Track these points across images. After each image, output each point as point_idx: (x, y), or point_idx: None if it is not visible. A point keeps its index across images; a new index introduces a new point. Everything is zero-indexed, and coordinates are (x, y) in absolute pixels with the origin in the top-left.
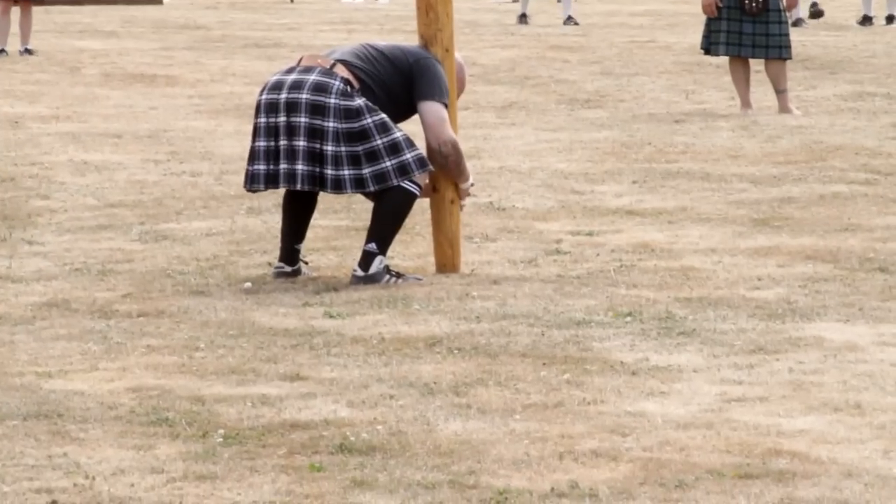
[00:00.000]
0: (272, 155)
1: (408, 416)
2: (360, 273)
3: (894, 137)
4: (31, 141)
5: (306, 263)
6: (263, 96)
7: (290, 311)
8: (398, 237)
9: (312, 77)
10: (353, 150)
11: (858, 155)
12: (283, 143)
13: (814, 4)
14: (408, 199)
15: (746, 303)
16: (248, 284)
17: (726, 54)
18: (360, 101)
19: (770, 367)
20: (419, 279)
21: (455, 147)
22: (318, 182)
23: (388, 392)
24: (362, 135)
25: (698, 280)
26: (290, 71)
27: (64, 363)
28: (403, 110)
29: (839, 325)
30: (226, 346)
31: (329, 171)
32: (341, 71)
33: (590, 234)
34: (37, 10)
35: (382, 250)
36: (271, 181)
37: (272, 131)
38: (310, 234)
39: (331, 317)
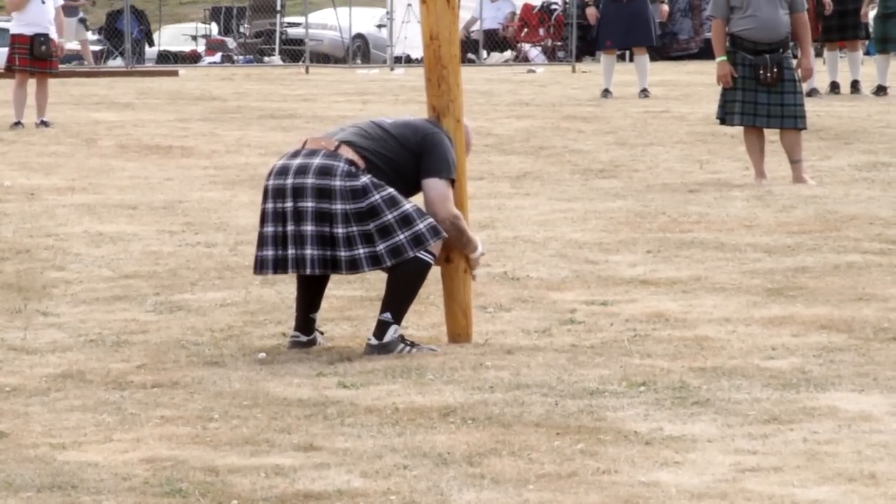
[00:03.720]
0: (280, 240)
1: (421, 487)
2: (374, 342)
3: None
4: (46, 212)
5: (322, 333)
6: (270, 182)
7: (304, 382)
8: (412, 307)
9: (317, 161)
10: (365, 228)
11: (873, 225)
12: (290, 228)
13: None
14: (422, 269)
15: (761, 372)
16: (263, 355)
17: (741, 124)
18: (364, 179)
19: (784, 436)
20: (433, 349)
21: (455, 223)
22: (332, 265)
23: (402, 462)
24: (372, 212)
25: (712, 350)
26: (294, 155)
27: (78, 434)
28: (413, 185)
29: (854, 395)
30: (240, 416)
31: (342, 253)
32: (346, 152)
33: (604, 303)
34: (53, 83)
35: (397, 320)
36: (280, 266)
37: (279, 217)
38: (324, 304)
39: (345, 387)
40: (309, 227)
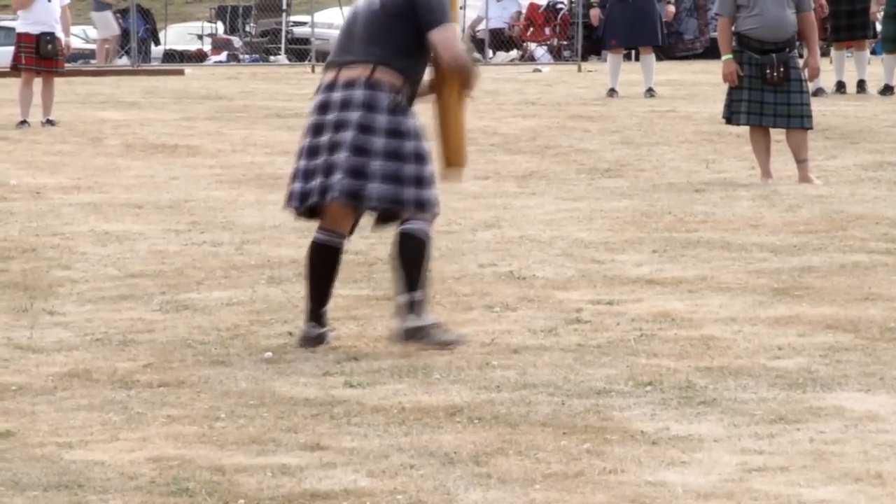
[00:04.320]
0: (310, 173)
1: (428, 486)
2: (417, 323)
3: None
4: (52, 211)
5: (332, 329)
6: (312, 118)
7: (310, 381)
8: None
9: (359, 92)
10: (391, 168)
11: (879, 224)
12: (322, 159)
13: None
14: (429, 243)
15: (767, 372)
16: (269, 354)
17: (747, 123)
18: (409, 121)
19: (791, 436)
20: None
21: (465, 59)
22: (355, 196)
23: (409, 462)
24: (402, 156)
25: (718, 349)
26: (331, 87)
27: (84, 433)
28: (422, 43)
29: (860, 395)
30: (246, 415)
31: (373, 185)
32: (382, 75)
33: (610, 303)
34: (59, 81)
35: (425, 295)
36: (308, 196)
37: (314, 151)
38: (329, 302)
39: (351, 386)
40: (343, 155)
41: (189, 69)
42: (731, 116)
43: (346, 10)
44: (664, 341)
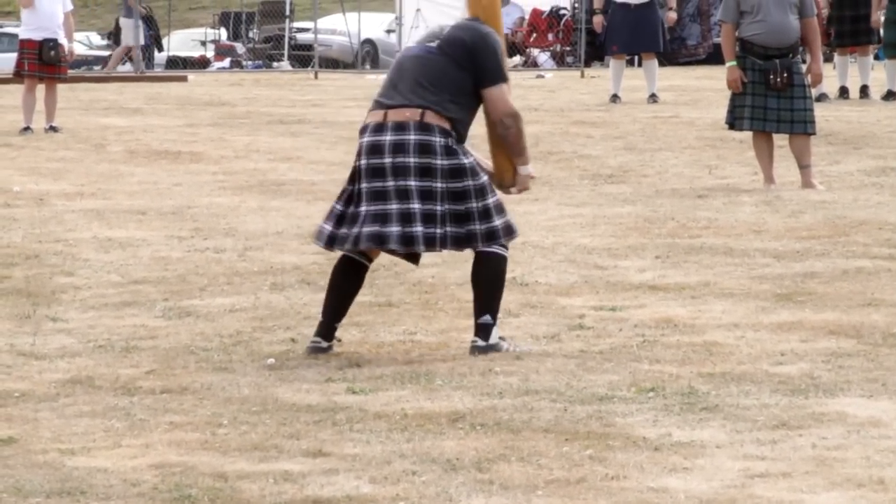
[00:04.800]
0: (380, 218)
1: (430, 493)
2: (480, 343)
3: None
4: (55, 218)
5: (339, 341)
6: (363, 161)
7: (312, 387)
8: (421, 313)
9: (412, 137)
10: (457, 209)
11: (882, 230)
12: (395, 206)
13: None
14: (502, 264)
15: (769, 378)
16: (272, 360)
17: (751, 129)
18: (464, 160)
19: (793, 442)
20: (529, 349)
21: (517, 118)
22: (439, 242)
23: (411, 468)
24: (464, 195)
25: (721, 355)
26: (380, 129)
27: (87, 440)
28: (476, 96)
29: (862, 401)
30: (249, 422)
31: (448, 230)
32: (432, 119)
33: (612, 309)
34: (62, 88)
35: (495, 319)
36: (399, 242)
37: (380, 195)
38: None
39: (353, 392)
40: (416, 206)
41: (192, 75)
42: (734, 122)
43: (349, 16)
44: (667, 347)
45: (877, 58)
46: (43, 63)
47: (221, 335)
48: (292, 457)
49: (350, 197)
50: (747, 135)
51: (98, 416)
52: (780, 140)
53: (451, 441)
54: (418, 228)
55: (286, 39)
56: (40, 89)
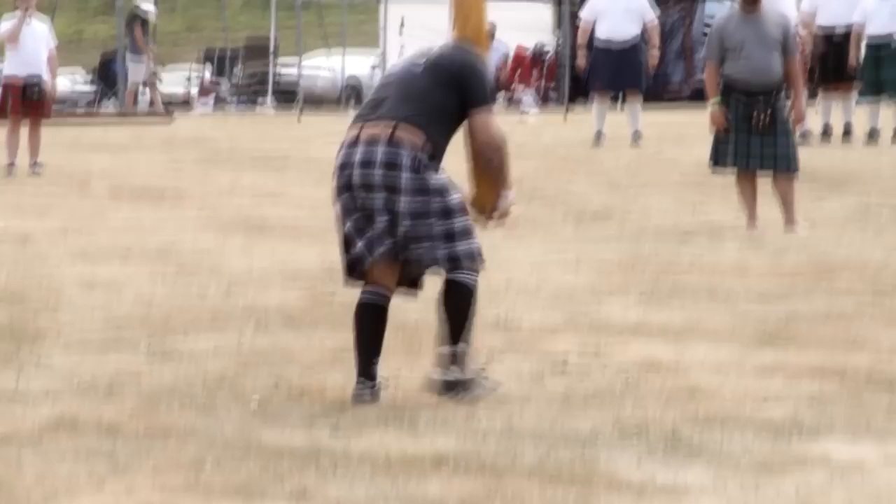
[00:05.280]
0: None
1: None
2: (458, 375)
3: None
4: (39, 256)
5: (386, 379)
6: (336, 181)
7: (296, 430)
8: (404, 356)
9: (380, 150)
10: (417, 227)
11: (865, 270)
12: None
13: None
14: (474, 292)
15: (753, 420)
16: (255, 402)
17: (734, 164)
18: (432, 179)
19: (777, 486)
20: (497, 386)
21: (503, 142)
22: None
23: None
24: (426, 214)
25: (705, 397)
26: (353, 144)
27: (71, 483)
28: (458, 118)
29: (846, 444)
30: (232, 464)
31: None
32: (404, 134)
33: (596, 350)
34: (46, 126)
35: (467, 348)
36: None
37: (353, 208)
38: (315, 351)
39: (337, 435)
40: (381, 220)
41: (176, 114)
42: (717, 160)
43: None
44: (650, 389)
45: (860, 96)
46: (27, 101)
47: (205, 376)
48: (276, 499)
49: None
50: (731, 173)
51: (81, 459)
52: (764, 180)
53: (434, 484)
54: (381, 246)
55: (270, 76)
56: (24, 127)
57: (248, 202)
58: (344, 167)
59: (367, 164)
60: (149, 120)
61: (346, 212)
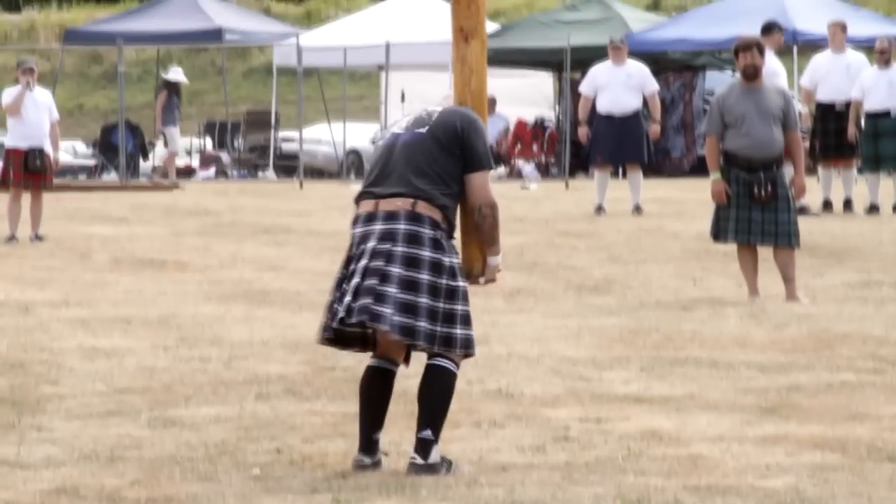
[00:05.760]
0: (355, 291)
1: None
2: (419, 461)
3: None
4: (40, 327)
5: (385, 455)
6: (354, 250)
7: (298, 498)
8: (406, 424)
9: (402, 226)
10: (434, 304)
11: (866, 343)
12: (371, 282)
13: (873, 206)
14: (453, 382)
15: (755, 491)
16: (257, 471)
17: (735, 241)
18: (447, 259)
19: None
20: (466, 469)
21: (495, 209)
22: (409, 333)
23: None
24: (438, 293)
25: (706, 468)
26: (371, 219)
27: None
28: (461, 182)
29: None
30: None
31: (422, 324)
32: (424, 209)
33: (598, 420)
34: (47, 196)
35: (437, 436)
36: (351, 315)
37: (356, 273)
38: (316, 420)
39: (339, 503)
40: (392, 290)
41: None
42: (718, 234)
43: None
44: (652, 459)
45: (859, 171)
46: (28, 172)
47: (207, 445)
48: None
49: (339, 282)
50: (732, 247)
51: None
52: (765, 252)
53: None
54: (391, 311)
55: (271, 149)
56: (26, 198)
57: (249, 274)
58: (363, 239)
59: (388, 236)
60: (151, 188)
61: (345, 278)
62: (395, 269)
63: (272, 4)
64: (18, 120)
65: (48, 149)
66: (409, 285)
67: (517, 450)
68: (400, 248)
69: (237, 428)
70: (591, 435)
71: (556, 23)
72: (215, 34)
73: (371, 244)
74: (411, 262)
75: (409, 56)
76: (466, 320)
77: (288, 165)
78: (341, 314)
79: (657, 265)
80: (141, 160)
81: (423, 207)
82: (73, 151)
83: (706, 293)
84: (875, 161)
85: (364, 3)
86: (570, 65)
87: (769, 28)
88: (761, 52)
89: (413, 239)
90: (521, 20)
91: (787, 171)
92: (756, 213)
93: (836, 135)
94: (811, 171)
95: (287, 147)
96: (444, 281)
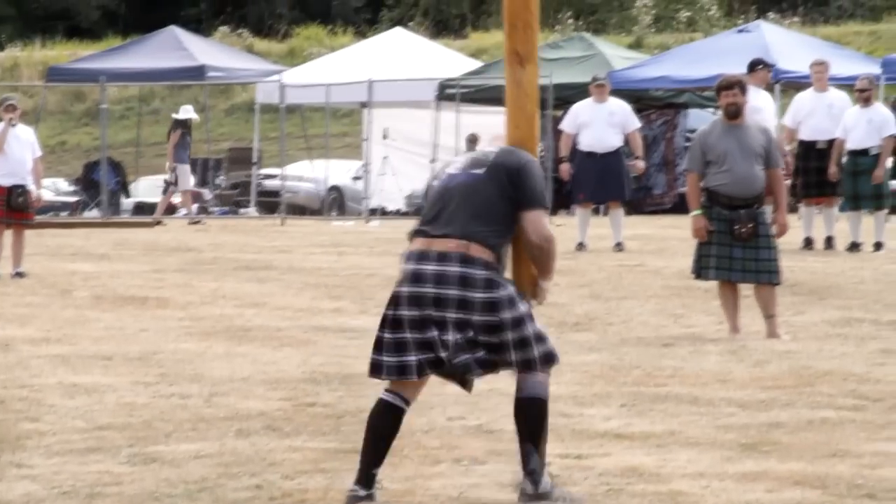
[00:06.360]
0: (426, 345)
1: None
2: (530, 490)
3: (882, 363)
4: (20, 364)
5: (381, 487)
6: (404, 288)
7: None
8: (387, 460)
9: (455, 269)
10: (490, 340)
11: (846, 381)
12: (434, 334)
13: (854, 245)
14: (546, 405)
15: None
16: None
17: (716, 279)
18: (501, 293)
19: None
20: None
21: (552, 242)
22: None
23: None
24: (500, 328)
25: None
26: (424, 258)
27: None
28: (513, 221)
29: None
30: None
31: (479, 355)
32: (477, 252)
33: (578, 457)
34: (29, 234)
35: (542, 464)
36: (430, 367)
37: (419, 324)
38: (297, 455)
39: None
40: (450, 336)
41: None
42: (700, 271)
43: (316, 163)
44: (632, 496)
45: (841, 209)
46: (11, 209)
47: (187, 482)
48: None
49: (388, 322)
50: (713, 284)
51: None
52: (746, 290)
53: None
54: (459, 357)
55: (253, 185)
56: (7, 235)
57: (230, 310)
58: (416, 279)
59: (441, 279)
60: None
61: (413, 323)
62: (450, 315)
63: (255, 42)
64: (1, 157)
65: (31, 186)
66: (463, 326)
67: (497, 486)
68: (453, 291)
69: (217, 464)
70: (572, 471)
71: (539, 60)
72: (198, 72)
73: (429, 289)
74: (463, 305)
75: (391, 94)
76: (539, 337)
77: (270, 202)
78: (413, 375)
79: (638, 302)
80: (122, 197)
81: (476, 250)
82: (55, 189)
83: (687, 330)
84: (855, 199)
85: (347, 41)
86: (552, 102)
87: (755, 65)
88: (743, 91)
89: (465, 282)
90: (503, 58)
91: (768, 208)
92: (737, 251)
93: (818, 173)
94: (793, 209)
95: (269, 184)
96: (506, 314)
